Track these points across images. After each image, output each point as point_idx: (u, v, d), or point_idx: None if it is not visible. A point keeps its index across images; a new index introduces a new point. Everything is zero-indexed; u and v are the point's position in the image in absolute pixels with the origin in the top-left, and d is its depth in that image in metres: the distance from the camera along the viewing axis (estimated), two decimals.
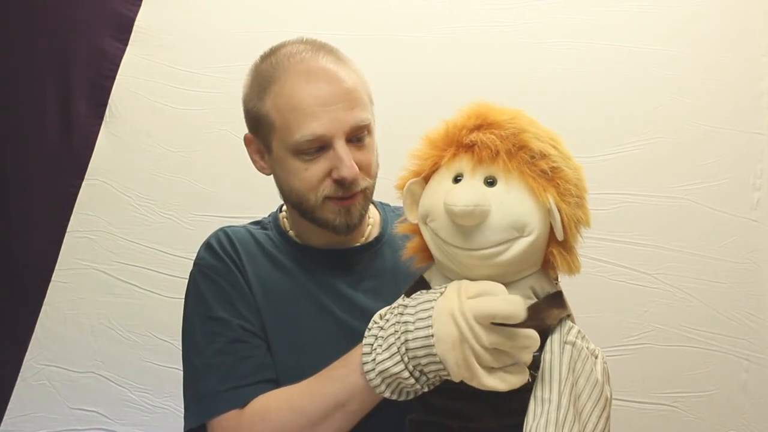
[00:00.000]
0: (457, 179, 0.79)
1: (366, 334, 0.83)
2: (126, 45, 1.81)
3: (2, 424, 1.78)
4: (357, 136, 0.95)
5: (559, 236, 0.77)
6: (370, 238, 1.06)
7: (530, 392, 0.76)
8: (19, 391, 1.78)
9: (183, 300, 1.02)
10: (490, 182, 0.77)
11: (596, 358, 0.79)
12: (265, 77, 0.97)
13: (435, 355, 0.75)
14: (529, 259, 0.79)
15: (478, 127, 0.79)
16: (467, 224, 0.75)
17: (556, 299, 0.80)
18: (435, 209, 0.79)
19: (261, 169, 1.04)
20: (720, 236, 1.71)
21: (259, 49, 1.02)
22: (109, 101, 1.81)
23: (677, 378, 1.71)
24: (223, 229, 1.04)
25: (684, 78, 1.73)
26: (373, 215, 1.09)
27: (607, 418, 0.78)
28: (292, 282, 1.00)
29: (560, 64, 1.74)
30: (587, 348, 0.78)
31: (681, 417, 1.71)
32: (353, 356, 0.85)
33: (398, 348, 0.78)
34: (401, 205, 0.86)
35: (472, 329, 0.72)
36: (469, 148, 0.78)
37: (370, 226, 1.07)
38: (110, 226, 1.80)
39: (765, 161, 1.72)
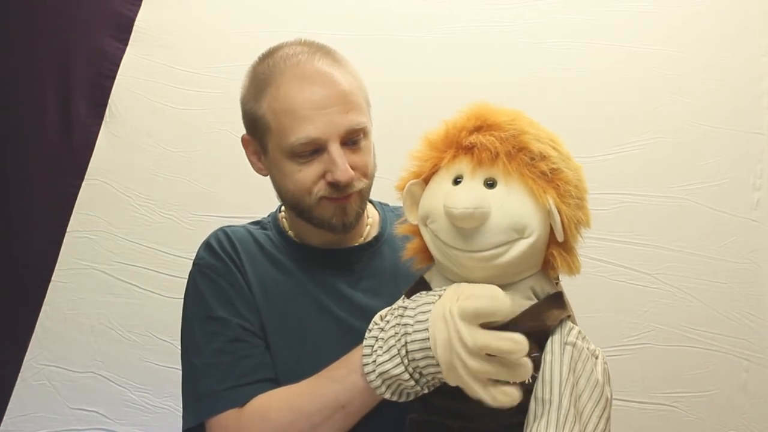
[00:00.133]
0: (456, 181, 0.79)
1: (366, 335, 0.83)
2: (126, 45, 1.81)
3: (2, 424, 1.78)
4: (352, 139, 0.95)
5: (560, 238, 0.77)
6: (369, 238, 1.07)
7: (531, 393, 0.76)
8: (19, 391, 1.78)
9: (183, 300, 1.02)
10: (490, 184, 0.77)
11: (597, 358, 0.79)
12: (261, 79, 0.97)
13: (433, 357, 0.75)
14: (529, 260, 0.79)
15: (478, 129, 0.79)
16: (467, 227, 0.75)
17: (557, 300, 0.80)
18: (435, 211, 0.79)
19: (258, 170, 1.04)
20: (720, 236, 1.71)
21: (259, 49, 1.02)
22: (109, 101, 1.81)
23: (677, 378, 1.71)
24: (222, 229, 1.05)
25: (684, 78, 1.73)
26: (372, 215, 1.09)
27: (608, 418, 0.78)
28: (292, 282, 1.00)
29: (560, 64, 1.74)
30: (588, 349, 0.78)
31: (681, 417, 1.71)
32: (353, 357, 0.85)
33: (398, 350, 0.78)
34: (401, 204, 0.86)
35: (457, 330, 0.72)
36: (469, 149, 0.78)
37: (368, 226, 1.08)
38: (110, 226, 1.80)
39: (765, 161, 1.72)
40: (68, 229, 1.80)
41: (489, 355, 0.72)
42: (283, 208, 1.08)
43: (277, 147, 0.95)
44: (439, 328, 0.74)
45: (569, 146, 0.81)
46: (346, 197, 0.96)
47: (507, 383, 0.73)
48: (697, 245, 1.71)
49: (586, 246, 0.82)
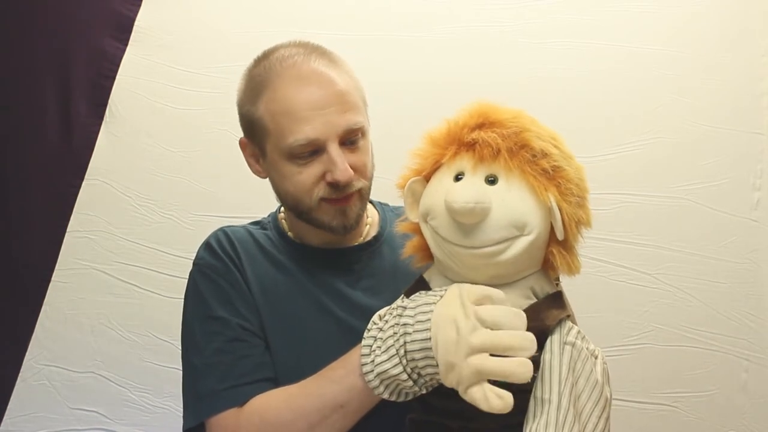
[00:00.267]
0: (458, 177, 0.79)
1: (365, 335, 0.83)
2: (126, 45, 1.81)
3: (2, 424, 1.77)
4: (350, 139, 0.95)
5: (560, 235, 0.77)
6: (368, 237, 1.07)
7: (530, 392, 0.76)
8: (19, 391, 1.78)
9: (183, 300, 1.02)
10: (491, 181, 0.77)
11: (596, 358, 0.79)
12: (257, 82, 0.97)
13: (432, 358, 0.75)
14: (529, 258, 0.79)
15: (480, 126, 0.79)
16: (467, 221, 0.75)
17: (556, 300, 0.80)
18: (436, 207, 0.79)
19: (257, 173, 1.04)
20: (720, 236, 1.71)
21: (259, 49, 1.02)
22: (109, 101, 1.81)
23: (677, 378, 1.71)
24: (222, 229, 1.05)
25: (684, 78, 1.73)
26: (372, 214, 1.09)
27: (607, 418, 0.78)
28: (291, 281, 1.00)
29: (560, 64, 1.74)
30: (587, 348, 0.78)
31: (681, 417, 1.71)
32: (352, 357, 0.85)
33: (397, 350, 0.78)
34: (401, 204, 0.86)
35: (473, 330, 0.72)
36: (471, 146, 0.78)
37: (368, 226, 1.08)
38: (110, 226, 1.80)
39: (765, 161, 1.72)
40: (68, 229, 1.80)
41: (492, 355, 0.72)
42: (282, 208, 1.08)
43: (276, 149, 0.95)
44: (442, 329, 0.74)
45: (569, 146, 0.81)
46: (346, 199, 0.96)
47: (502, 387, 0.72)
48: (697, 245, 1.71)
49: (586, 246, 0.82)
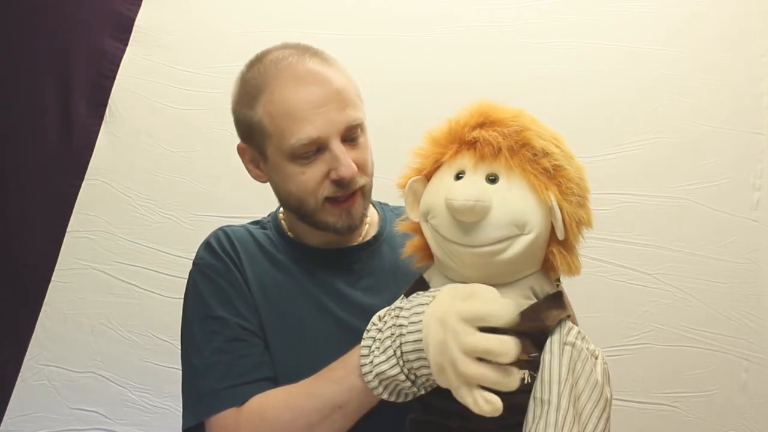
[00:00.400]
0: (458, 176, 0.79)
1: (364, 335, 0.83)
2: (126, 45, 1.81)
3: (2, 424, 1.77)
4: (351, 136, 0.95)
5: (560, 235, 0.77)
6: (368, 237, 1.06)
7: (530, 393, 0.76)
8: (19, 391, 1.78)
9: (182, 300, 1.02)
10: (492, 179, 0.77)
11: (596, 358, 0.79)
12: (253, 85, 0.96)
13: (426, 359, 0.75)
14: (529, 258, 0.78)
15: (481, 125, 0.79)
16: (467, 220, 0.75)
17: (556, 300, 0.80)
18: (436, 206, 0.79)
19: (257, 178, 1.03)
20: (720, 236, 1.71)
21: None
22: (109, 101, 1.81)
23: (677, 378, 1.71)
24: (222, 229, 1.05)
25: (684, 78, 1.73)
26: (371, 214, 1.09)
27: (607, 418, 0.78)
28: (291, 281, 1.00)
29: (560, 64, 1.74)
30: (587, 349, 0.78)
31: (681, 417, 1.71)
32: (351, 357, 0.85)
33: (394, 351, 0.78)
34: (401, 204, 0.86)
35: (455, 331, 0.71)
36: (472, 145, 0.78)
37: (367, 225, 1.07)
38: (110, 226, 1.80)
39: (765, 161, 1.72)
40: (68, 229, 1.80)
41: (481, 360, 0.71)
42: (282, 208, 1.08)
43: (278, 151, 0.95)
44: (432, 329, 0.74)
45: (569, 146, 0.81)
46: (350, 198, 0.96)
47: (492, 391, 0.71)
48: (697, 245, 1.71)
49: (586, 246, 0.82)
